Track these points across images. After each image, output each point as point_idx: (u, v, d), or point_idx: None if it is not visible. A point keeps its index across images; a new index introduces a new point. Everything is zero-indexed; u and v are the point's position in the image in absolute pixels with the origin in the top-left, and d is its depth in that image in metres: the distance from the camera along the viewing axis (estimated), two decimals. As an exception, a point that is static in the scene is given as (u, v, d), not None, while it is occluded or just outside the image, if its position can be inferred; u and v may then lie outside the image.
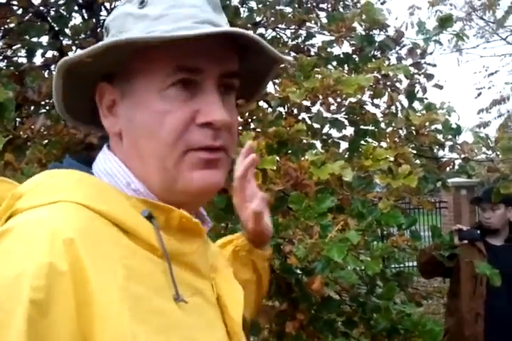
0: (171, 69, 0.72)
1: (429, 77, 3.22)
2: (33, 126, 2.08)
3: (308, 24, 3.33)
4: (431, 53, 3.26)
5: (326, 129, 2.83)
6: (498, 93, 13.37)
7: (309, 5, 3.51)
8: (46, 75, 2.74)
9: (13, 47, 3.07)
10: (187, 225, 0.76)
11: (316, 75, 2.42)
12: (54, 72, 0.81)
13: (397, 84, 3.14)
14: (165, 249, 0.72)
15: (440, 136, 2.93)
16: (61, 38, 2.93)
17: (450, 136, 2.93)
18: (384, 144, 2.72)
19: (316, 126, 2.76)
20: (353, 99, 2.75)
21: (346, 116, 2.80)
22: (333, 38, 3.09)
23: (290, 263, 1.97)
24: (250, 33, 0.71)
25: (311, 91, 2.37)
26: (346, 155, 2.63)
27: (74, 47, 2.93)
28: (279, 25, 3.39)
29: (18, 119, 2.49)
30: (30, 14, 2.96)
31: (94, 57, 0.72)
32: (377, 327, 2.27)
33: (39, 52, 2.93)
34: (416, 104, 3.01)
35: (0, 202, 0.73)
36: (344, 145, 2.83)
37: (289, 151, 2.31)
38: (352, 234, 1.87)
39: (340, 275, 2.12)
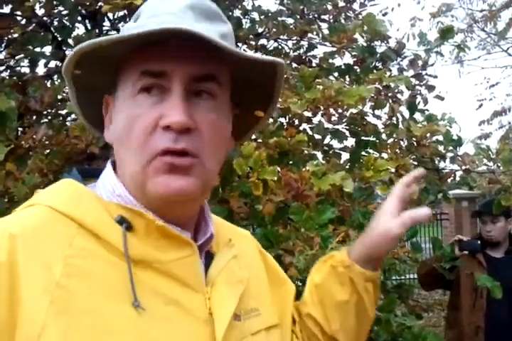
0: (138, 75, 0.75)
1: (431, 88, 3.23)
2: (34, 136, 2.08)
3: (309, 35, 3.35)
4: (432, 64, 3.28)
5: (327, 140, 2.84)
6: (500, 104, 13.41)
7: (311, 16, 3.53)
8: (49, 85, 2.76)
9: (16, 57, 3.08)
10: (168, 232, 0.76)
11: (317, 86, 2.43)
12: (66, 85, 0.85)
13: (399, 96, 3.15)
14: (127, 253, 0.72)
15: (441, 148, 2.94)
16: (64, 48, 2.95)
17: (451, 148, 2.94)
18: (385, 155, 2.72)
19: (317, 136, 2.77)
20: (354, 110, 2.75)
21: (347, 127, 2.81)
22: (334, 49, 3.11)
23: (290, 274, 1.96)
24: (194, 29, 0.69)
25: (312, 102, 2.37)
26: (347, 166, 2.64)
27: (77, 57, 2.94)
28: (281, 36, 3.41)
29: (20, 129, 2.49)
30: (34, 24, 2.97)
31: (85, 71, 0.77)
32: (377, 340, 2.25)
33: (42, 62, 2.94)
34: (417, 115, 3.02)
35: None
36: (345, 156, 2.83)
37: (290, 162, 2.31)
38: (353, 246, 1.87)
39: (340, 286, 2.10)
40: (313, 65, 3.41)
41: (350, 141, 2.85)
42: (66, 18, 2.89)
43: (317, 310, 0.99)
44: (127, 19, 3.26)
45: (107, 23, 3.35)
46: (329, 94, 2.36)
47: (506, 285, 2.89)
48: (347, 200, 2.28)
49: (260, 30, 3.41)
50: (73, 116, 2.60)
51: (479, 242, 3.32)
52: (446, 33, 3.02)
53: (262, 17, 3.47)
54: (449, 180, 3.03)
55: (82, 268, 0.70)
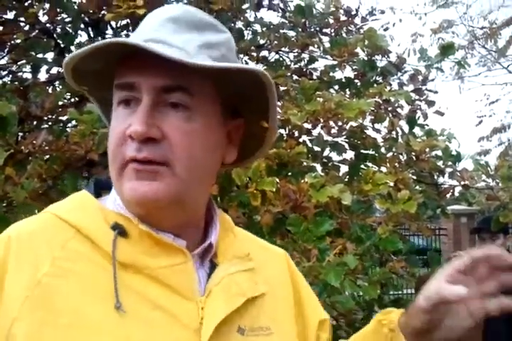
0: (114, 88, 0.80)
1: (431, 103, 3.24)
2: (34, 141, 2.08)
3: (311, 48, 3.37)
4: (432, 80, 3.30)
5: (326, 152, 2.84)
6: (499, 121, 13.44)
7: (313, 29, 3.54)
8: (50, 91, 2.76)
9: (19, 63, 3.09)
10: (156, 239, 0.78)
11: (317, 98, 2.44)
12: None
13: (399, 110, 3.16)
14: (114, 255, 0.75)
15: (440, 163, 2.95)
16: (66, 55, 2.95)
17: (450, 163, 2.94)
18: (384, 169, 2.73)
19: (317, 149, 2.77)
20: (354, 123, 2.76)
21: (347, 140, 2.81)
22: (335, 62, 3.13)
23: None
24: (144, 44, 0.73)
25: (312, 114, 2.38)
26: (346, 179, 2.64)
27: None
28: (283, 49, 3.43)
29: (20, 134, 2.49)
30: (37, 31, 2.99)
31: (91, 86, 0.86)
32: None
33: (44, 68, 2.95)
34: (416, 130, 3.03)
35: None
36: (344, 168, 2.84)
37: (289, 173, 2.31)
38: (350, 259, 1.86)
39: (337, 299, 2.09)
40: (314, 77, 3.42)
41: (350, 154, 2.86)
42: (69, 25, 2.91)
43: None
44: (130, 27, 3.27)
45: (109, 31, 3.36)
46: (329, 106, 2.37)
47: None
48: (345, 213, 2.27)
49: (262, 42, 3.43)
50: (73, 122, 2.60)
51: None
52: (446, 50, 3.05)
53: (264, 29, 3.49)
54: (447, 196, 3.03)
55: (69, 269, 0.75)
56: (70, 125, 2.76)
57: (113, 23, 3.22)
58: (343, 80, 3.14)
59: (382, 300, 2.55)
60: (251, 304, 0.84)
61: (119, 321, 0.72)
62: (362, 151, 2.81)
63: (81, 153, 2.02)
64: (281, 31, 3.44)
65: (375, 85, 3.01)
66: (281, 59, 3.64)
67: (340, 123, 2.71)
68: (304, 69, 3.47)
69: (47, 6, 2.86)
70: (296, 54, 3.56)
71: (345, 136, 2.80)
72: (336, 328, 2.36)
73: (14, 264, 0.74)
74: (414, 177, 2.94)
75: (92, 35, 3.22)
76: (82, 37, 3.20)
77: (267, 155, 2.19)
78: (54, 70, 3.06)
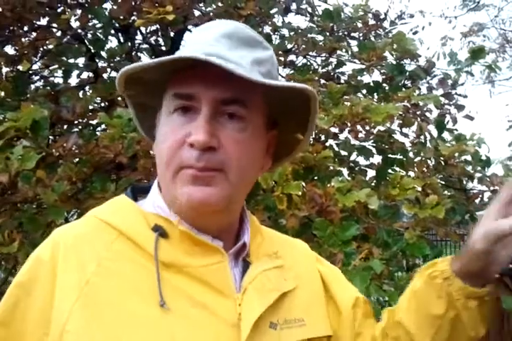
0: (172, 96, 0.84)
1: (460, 107, 3.20)
2: (65, 145, 2.12)
3: (338, 52, 3.36)
4: (462, 84, 3.26)
5: (353, 157, 2.83)
6: (530, 126, 13.16)
7: (341, 33, 3.54)
8: (81, 95, 2.81)
9: (50, 68, 3.16)
10: (195, 240, 0.83)
11: (345, 103, 2.43)
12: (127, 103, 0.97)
13: (427, 114, 3.13)
14: (156, 255, 0.80)
15: (469, 168, 2.90)
16: (97, 60, 3.01)
17: (479, 168, 2.89)
18: (412, 174, 2.70)
19: (344, 153, 2.76)
20: (381, 128, 2.75)
21: (374, 144, 2.80)
22: (363, 66, 3.11)
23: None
24: (212, 58, 0.77)
25: (339, 119, 2.38)
26: (373, 184, 2.62)
27: (109, 69, 3.00)
28: (310, 53, 3.43)
29: (51, 137, 2.54)
30: (69, 37, 3.05)
31: (139, 91, 0.88)
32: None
33: (75, 73, 3.01)
34: (445, 135, 2.99)
35: None
36: (371, 173, 2.82)
37: (315, 177, 2.31)
38: (376, 263, 1.85)
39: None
40: (342, 81, 3.41)
41: (377, 159, 2.84)
42: (100, 31, 2.96)
43: (410, 318, 0.93)
44: (159, 33, 3.32)
45: (139, 37, 3.41)
46: (357, 110, 2.36)
47: (533, 309, 2.82)
48: (372, 218, 2.26)
49: (289, 46, 3.43)
50: (103, 126, 2.65)
51: (511, 265, 3.24)
52: (477, 54, 3.01)
53: (292, 33, 3.50)
54: (476, 201, 2.98)
55: (115, 269, 0.80)
56: (99, 129, 2.81)
57: (143, 29, 3.28)
58: (371, 84, 3.12)
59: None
60: (283, 298, 0.89)
61: (163, 318, 0.77)
62: (389, 156, 2.79)
63: (110, 157, 2.05)
64: (309, 35, 3.44)
65: (404, 89, 2.98)
66: (308, 63, 3.64)
67: (367, 128, 2.69)
68: (332, 74, 3.46)
69: (78, 12, 2.92)
70: (323, 58, 3.56)
71: (372, 141, 2.79)
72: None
73: (63, 267, 0.79)
74: (443, 183, 2.91)
75: (122, 41, 3.27)
76: (113, 42, 3.25)
77: (293, 159, 2.19)
78: (85, 75, 3.13)
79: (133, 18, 2.78)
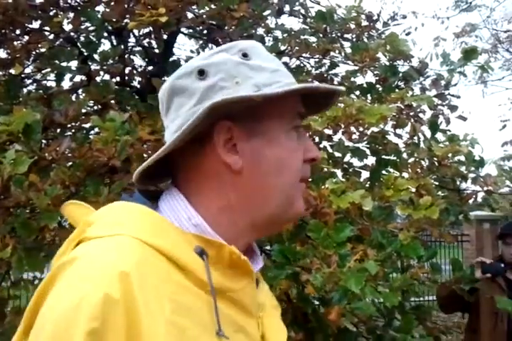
0: (295, 114, 0.87)
1: (453, 108, 3.21)
2: (58, 148, 2.11)
3: (332, 54, 3.37)
4: (455, 85, 3.27)
5: (347, 158, 2.83)
6: (524, 126, 13.23)
7: (334, 35, 3.54)
8: (73, 99, 2.80)
9: (43, 71, 3.15)
10: (237, 262, 0.79)
11: (338, 104, 2.43)
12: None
13: (421, 115, 3.14)
14: (212, 285, 0.74)
15: (463, 168, 2.91)
16: (90, 63, 3.00)
17: (473, 168, 2.90)
18: (406, 174, 2.71)
19: (338, 154, 2.76)
20: (375, 129, 2.75)
21: (368, 146, 2.80)
22: (356, 67, 3.12)
23: (307, 292, 1.94)
24: (339, 88, 0.88)
25: (333, 120, 2.38)
26: (367, 185, 2.62)
27: (102, 73, 2.99)
28: (304, 54, 3.43)
29: (44, 141, 2.53)
30: (61, 40, 3.04)
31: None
32: (394, 361, 2.22)
33: (67, 76, 3.00)
34: (439, 135, 3.00)
35: (75, 225, 0.80)
36: (365, 174, 2.82)
37: (309, 179, 2.30)
38: (370, 265, 1.85)
39: (357, 306, 2.08)
40: (335, 83, 3.42)
41: (371, 160, 2.84)
42: (92, 33, 2.95)
43: None
44: (152, 36, 3.31)
45: (132, 39, 3.41)
46: (350, 112, 2.37)
47: (527, 309, 2.83)
48: (366, 219, 2.26)
49: (283, 48, 3.44)
50: (96, 129, 2.64)
51: (503, 265, 3.26)
52: (469, 54, 3.02)
53: (285, 35, 3.50)
54: (470, 201, 2.99)
55: (182, 303, 0.71)
56: (92, 132, 2.80)
57: (135, 32, 3.27)
58: (365, 85, 3.13)
59: (403, 306, 2.53)
60: None
61: None
62: (383, 157, 2.80)
63: (103, 160, 2.04)
64: (302, 37, 3.44)
65: (397, 90, 2.99)
66: (302, 65, 3.65)
67: (361, 129, 2.69)
68: (325, 75, 3.47)
69: (71, 15, 2.91)
70: (317, 60, 3.57)
71: (366, 142, 2.79)
72: (356, 335, 2.35)
73: (144, 305, 0.66)
74: (437, 183, 2.91)
75: (114, 44, 3.26)
76: (105, 45, 3.25)
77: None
78: (77, 78, 3.12)
79: (126, 20, 2.77)
